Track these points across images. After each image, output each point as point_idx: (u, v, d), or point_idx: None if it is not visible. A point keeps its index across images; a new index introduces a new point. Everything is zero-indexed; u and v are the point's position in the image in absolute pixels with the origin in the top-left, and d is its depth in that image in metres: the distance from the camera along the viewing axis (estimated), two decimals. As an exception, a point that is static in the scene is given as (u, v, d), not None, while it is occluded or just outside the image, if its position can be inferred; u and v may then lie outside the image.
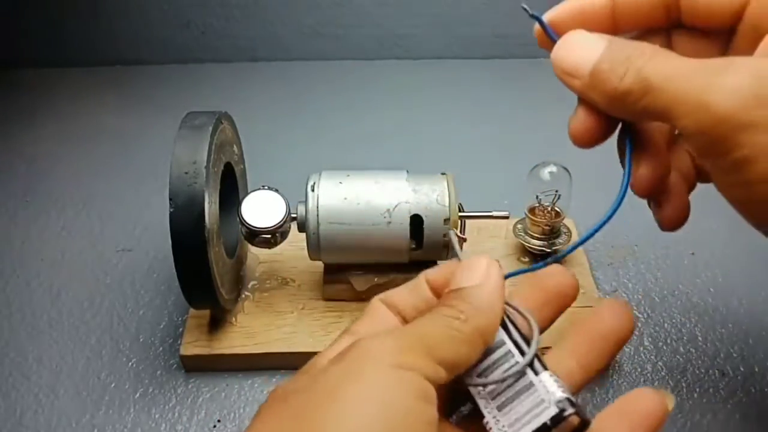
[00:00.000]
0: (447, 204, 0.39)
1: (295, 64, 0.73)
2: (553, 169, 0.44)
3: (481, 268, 0.27)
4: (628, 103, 0.27)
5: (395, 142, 0.62)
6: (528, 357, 0.26)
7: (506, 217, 0.41)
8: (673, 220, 0.32)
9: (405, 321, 0.29)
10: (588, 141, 0.30)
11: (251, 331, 0.42)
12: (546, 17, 0.31)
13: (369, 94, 0.69)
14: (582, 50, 0.28)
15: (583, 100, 0.29)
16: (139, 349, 0.43)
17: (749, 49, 0.28)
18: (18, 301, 0.47)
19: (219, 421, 0.39)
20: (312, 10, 0.71)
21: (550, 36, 0.30)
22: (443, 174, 0.41)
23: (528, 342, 0.27)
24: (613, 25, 0.30)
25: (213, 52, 0.73)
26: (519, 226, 0.47)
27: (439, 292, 0.29)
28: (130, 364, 0.42)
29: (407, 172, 0.41)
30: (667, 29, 0.31)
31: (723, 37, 0.30)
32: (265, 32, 0.72)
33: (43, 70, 0.72)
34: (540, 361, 0.26)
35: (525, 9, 0.31)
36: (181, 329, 0.44)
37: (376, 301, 0.29)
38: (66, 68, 0.72)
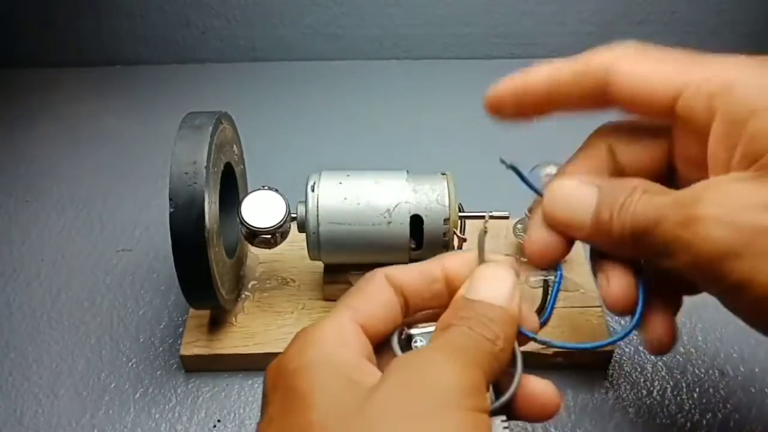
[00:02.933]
0: (447, 204, 0.39)
1: (295, 64, 0.73)
2: (553, 169, 0.44)
3: (507, 287, 0.28)
4: (630, 247, 0.28)
5: (395, 142, 0.62)
6: (497, 405, 0.26)
7: (506, 217, 0.41)
8: (656, 345, 0.32)
9: (406, 303, 0.28)
10: (547, 261, 0.32)
11: (251, 331, 0.42)
12: (489, 94, 0.32)
13: (369, 94, 0.69)
14: (574, 204, 0.29)
15: (538, 220, 0.31)
16: (139, 349, 0.43)
17: (688, 143, 0.28)
18: (18, 301, 0.47)
19: (219, 421, 0.39)
20: (312, 10, 0.71)
21: (534, 190, 0.32)
22: (443, 174, 0.41)
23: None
24: (550, 105, 0.31)
25: (213, 52, 0.73)
26: (519, 226, 0.47)
27: (453, 285, 0.29)
28: (130, 364, 0.42)
29: (407, 172, 0.41)
30: (610, 139, 0.31)
31: (662, 136, 0.29)
32: (265, 32, 0.72)
33: (43, 70, 0.72)
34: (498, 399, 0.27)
35: (503, 162, 0.32)
36: (181, 329, 0.44)
37: (379, 274, 0.29)
38: (66, 68, 0.72)
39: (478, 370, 0.24)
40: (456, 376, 0.24)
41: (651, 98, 0.28)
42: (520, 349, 0.28)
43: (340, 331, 0.26)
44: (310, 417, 0.23)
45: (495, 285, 0.28)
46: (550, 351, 0.40)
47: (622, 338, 0.31)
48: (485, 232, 0.31)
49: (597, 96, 0.29)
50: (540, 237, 0.31)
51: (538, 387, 0.27)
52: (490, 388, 0.27)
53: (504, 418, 0.26)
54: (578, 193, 0.29)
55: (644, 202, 0.27)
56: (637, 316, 0.31)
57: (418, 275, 0.29)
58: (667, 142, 0.30)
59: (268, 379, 0.26)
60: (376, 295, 0.28)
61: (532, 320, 0.29)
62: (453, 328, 0.26)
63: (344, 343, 0.26)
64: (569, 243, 0.31)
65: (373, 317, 0.27)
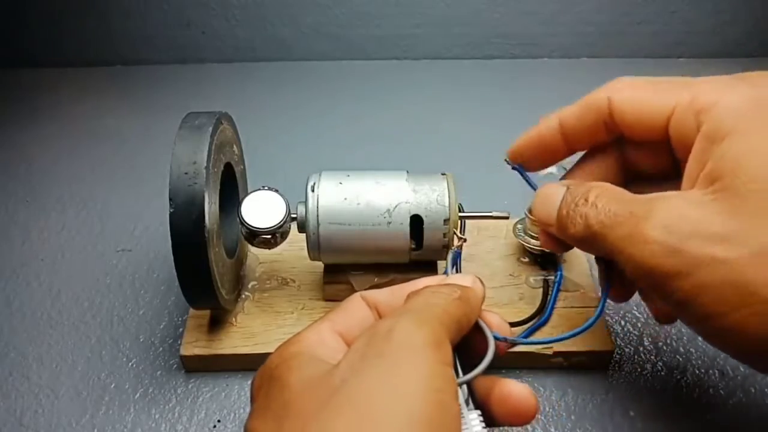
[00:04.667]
0: (447, 204, 0.39)
1: (295, 64, 0.73)
2: (553, 169, 0.44)
3: (471, 277, 0.31)
4: (587, 245, 0.30)
5: (395, 142, 0.62)
6: (464, 396, 0.27)
7: (506, 217, 0.41)
8: (666, 315, 0.34)
9: (380, 317, 0.30)
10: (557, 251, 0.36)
11: (251, 331, 0.42)
12: (510, 148, 0.35)
13: (369, 94, 0.69)
14: (547, 201, 0.32)
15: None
16: (139, 349, 0.43)
17: (685, 160, 0.29)
18: (18, 301, 0.47)
19: (219, 421, 0.39)
20: (312, 10, 0.71)
21: (532, 186, 0.35)
22: (443, 174, 0.41)
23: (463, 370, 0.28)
24: (567, 147, 0.34)
25: (213, 52, 0.73)
26: (519, 226, 0.47)
27: None
28: (130, 364, 0.42)
29: (407, 172, 0.41)
30: (617, 144, 0.33)
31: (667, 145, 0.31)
32: (265, 32, 0.72)
33: (43, 70, 0.72)
34: (473, 397, 0.27)
35: (507, 162, 0.36)
36: (181, 329, 0.44)
37: (355, 295, 0.31)
38: (66, 68, 0.72)
39: (437, 324, 0.26)
40: (417, 332, 0.25)
41: (648, 118, 0.30)
42: (492, 335, 0.29)
43: (319, 334, 0.28)
44: (287, 396, 0.24)
45: (460, 276, 0.31)
46: (550, 351, 0.40)
47: (584, 330, 0.33)
48: (456, 251, 0.36)
49: (603, 126, 0.32)
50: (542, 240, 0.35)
51: (515, 389, 0.28)
52: (459, 371, 0.28)
53: (480, 413, 0.27)
54: (551, 193, 0.32)
55: (602, 205, 0.29)
56: (598, 310, 0.33)
57: (390, 294, 0.31)
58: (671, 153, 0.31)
59: (255, 382, 0.27)
60: (351, 309, 0.30)
61: (504, 327, 0.31)
62: (412, 296, 0.29)
63: (322, 343, 0.27)
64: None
65: (350, 327, 0.29)
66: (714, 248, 0.24)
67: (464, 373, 0.28)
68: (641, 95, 0.30)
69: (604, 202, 0.29)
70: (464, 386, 0.27)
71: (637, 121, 0.30)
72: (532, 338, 0.35)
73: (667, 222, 0.26)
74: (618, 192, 0.29)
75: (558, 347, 0.40)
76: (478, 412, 0.27)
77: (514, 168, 0.36)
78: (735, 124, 0.26)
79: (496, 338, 0.29)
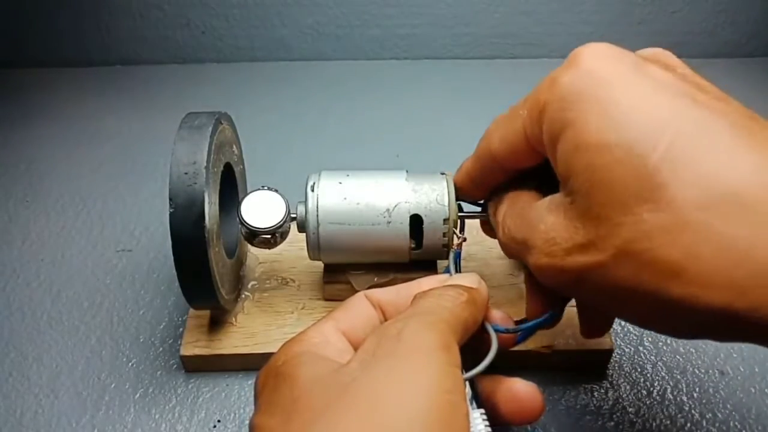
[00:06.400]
0: (446, 204, 0.39)
1: (296, 64, 0.73)
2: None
3: (476, 278, 0.32)
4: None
5: (395, 142, 0.62)
6: (468, 395, 0.27)
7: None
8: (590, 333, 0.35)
9: (384, 316, 0.30)
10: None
11: (251, 331, 0.42)
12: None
13: (369, 94, 0.69)
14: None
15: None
16: (139, 349, 0.43)
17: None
18: (18, 301, 0.47)
19: (219, 421, 0.39)
20: (312, 10, 0.71)
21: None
22: (443, 174, 0.41)
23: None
24: (477, 187, 0.36)
25: (213, 52, 0.73)
26: (519, 226, 0.47)
27: None
28: (130, 364, 0.42)
29: (407, 172, 0.41)
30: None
31: None
32: (265, 32, 0.72)
33: (43, 70, 0.72)
34: (476, 397, 0.28)
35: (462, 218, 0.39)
36: (181, 329, 0.44)
37: (359, 293, 0.31)
38: (66, 68, 0.72)
39: (446, 327, 0.26)
40: (427, 334, 0.25)
41: (519, 149, 0.31)
42: (494, 332, 0.30)
43: (323, 333, 0.28)
44: (296, 392, 0.24)
45: (464, 277, 0.32)
46: (549, 351, 0.40)
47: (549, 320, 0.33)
48: (457, 251, 0.37)
49: (500, 171, 0.33)
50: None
51: (522, 387, 0.29)
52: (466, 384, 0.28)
53: (483, 411, 0.27)
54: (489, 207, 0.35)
55: (507, 228, 0.31)
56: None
57: (395, 293, 0.31)
58: None
59: (259, 380, 0.27)
60: (355, 308, 0.30)
61: (508, 323, 0.32)
62: (419, 298, 0.29)
63: (327, 342, 0.28)
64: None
65: (354, 327, 0.29)
66: (585, 258, 0.25)
67: (467, 371, 0.28)
68: (503, 132, 0.31)
69: (508, 224, 0.31)
70: (468, 385, 0.27)
71: (513, 156, 0.31)
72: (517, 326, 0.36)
73: (544, 248, 0.27)
74: (519, 210, 0.31)
75: (558, 347, 0.40)
76: (482, 410, 0.27)
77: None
78: (563, 120, 0.26)
79: (498, 330, 0.30)
